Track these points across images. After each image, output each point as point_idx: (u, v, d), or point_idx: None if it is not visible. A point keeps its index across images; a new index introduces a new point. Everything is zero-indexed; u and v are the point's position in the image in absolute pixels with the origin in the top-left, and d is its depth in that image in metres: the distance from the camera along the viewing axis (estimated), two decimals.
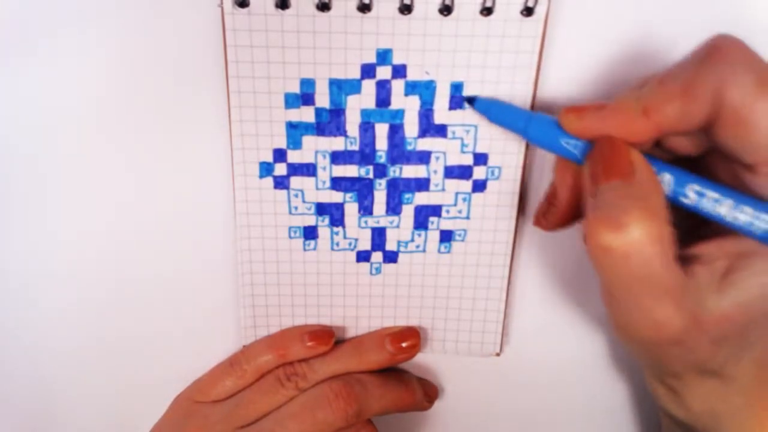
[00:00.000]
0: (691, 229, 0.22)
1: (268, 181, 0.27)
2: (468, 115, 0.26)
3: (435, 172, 0.27)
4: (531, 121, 0.23)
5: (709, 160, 0.22)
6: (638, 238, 0.19)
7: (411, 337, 0.30)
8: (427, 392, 0.32)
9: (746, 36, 0.20)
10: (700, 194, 0.20)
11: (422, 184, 0.28)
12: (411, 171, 0.27)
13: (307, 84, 0.25)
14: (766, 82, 0.19)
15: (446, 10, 0.24)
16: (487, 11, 0.24)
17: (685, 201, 0.21)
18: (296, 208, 0.28)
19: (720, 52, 0.19)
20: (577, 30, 0.25)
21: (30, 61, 0.25)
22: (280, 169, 0.27)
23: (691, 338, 0.20)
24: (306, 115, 0.26)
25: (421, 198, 0.28)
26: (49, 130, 0.27)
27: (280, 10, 0.24)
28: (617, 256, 0.19)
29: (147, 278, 0.30)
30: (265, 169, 0.27)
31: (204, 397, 0.30)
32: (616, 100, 0.21)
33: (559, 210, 0.24)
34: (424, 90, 0.26)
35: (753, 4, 0.25)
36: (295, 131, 0.26)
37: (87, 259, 0.29)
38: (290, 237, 0.28)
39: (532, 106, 0.26)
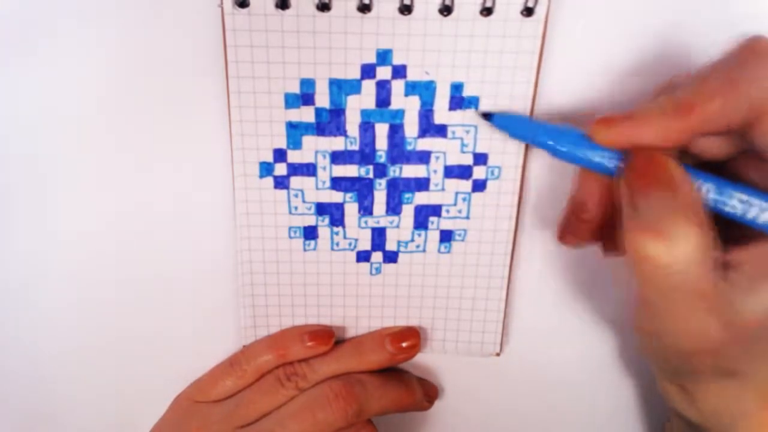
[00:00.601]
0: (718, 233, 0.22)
1: (268, 181, 0.27)
2: (468, 115, 0.26)
3: (435, 171, 0.27)
4: (560, 136, 0.23)
5: (738, 163, 0.22)
6: (684, 248, 0.19)
7: (411, 337, 0.30)
8: (427, 392, 0.32)
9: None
10: (746, 204, 0.20)
11: (422, 184, 0.28)
12: (411, 171, 0.27)
13: (307, 84, 0.25)
14: None
15: (446, 10, 0.24)
16: (487, 11, 0.24)
17: (728, 211, 0.20)
18: (296, 208, 0.28)
19: (762, 53, 0.19)
20: (577, 30, 0.25)
21: (30, 61, 0.25)
22: (280, 169, 0.27)
23: (725, 347, 0.20)
24: (306, 115, 0.26)
25: (421, 198, 0.28)
26: (49, 131, 0.27)
27: (280, 11, 0.24)
28: (661, 265, 0.19)
29: (147, 278, 0.30)
30: (265, 169, 0.27)
31: (204, 397, 0.30)
32: (641, 108, 0.21)
33: (592, 224, 0.24)
34: (424, 90, 0.26)
35: (755, 4, 0.25)
36: (295, 131, 0.26)
37: (87, 259, 0.29)
38: (290, 237, 0.28)
39: (533, 107, 0.26)
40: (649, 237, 0.19)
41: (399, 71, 0.25)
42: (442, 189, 0.28)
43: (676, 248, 0.19)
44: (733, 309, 0.20)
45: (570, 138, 0.23)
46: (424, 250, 0.29)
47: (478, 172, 0.27)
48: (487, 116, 0.25)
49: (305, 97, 0.26)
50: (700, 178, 0.21)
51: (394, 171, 0.27)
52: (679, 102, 0.20)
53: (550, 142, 0.23)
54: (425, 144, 0.27)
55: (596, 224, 0.24)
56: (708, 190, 0.21)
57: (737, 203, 0.20)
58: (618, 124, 0.21)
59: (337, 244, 0.29)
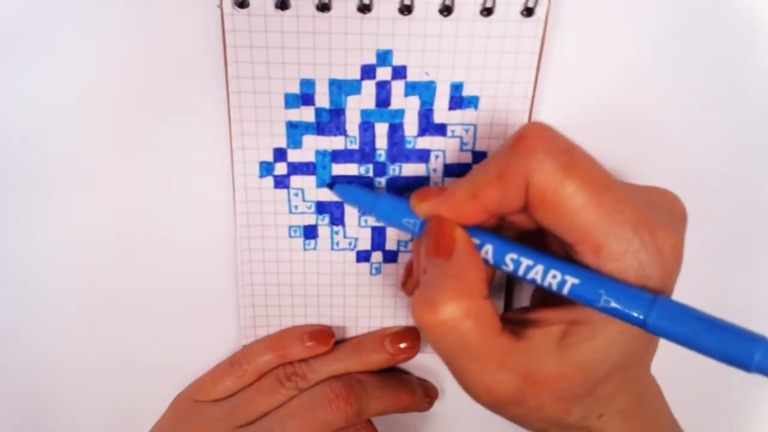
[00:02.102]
0: (546, 295, 0.23)
1: (269, 180, 0.27)
2: (467, 114, 0.26)
3: (434, 170, 0.27)
4: (378, 201, 0.25)
5: (546, 235, 0.23)
6: (451, 316, 0.20)
7: (411, 338, 0.30)
8: (427, 393, 0.32)
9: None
10: (517, 262, 0.21)
11: (422, 183, 0.28)
12: (410, 169, 0.27)
13: (307, 84, 0.26)
14: (569, 169, 0.20)
15: (446, 10, 0.24)
16: (487, 12, 0.24)
17: (506, 269, 0.22)
18: (296, 207, 0.28)
19: (525, 142, 0.20)
20: (577, 30, 0.25)
21: (30, 61, 0.25)
22: (281, 169, 0.27)
23: (530, 396, 0.21)
24: (306, 114, 0.26)
25: None
26: (48, 131, 0.27)
27: (279, 11, 0.24)
28: (437, 332, 0.20)
29: (147, 278, 0.30)
30: (265, 168, 0.27)
31: (204, 396, 0.30)
32: (451, 186, 0.22)
33: (414, 280, 0.26)
34: (424, 90, 0.26)
35: (754, 4, 0.25)
36: (295, 131, 0.26)
37: (87, 260, 0.29)
38: (290, 236, 0.28)
39: (532, 106, 0.26)
40: (421, 306, 0.21)
41: (399, 72, 0.25)
42: None
43: (442, 317, 0.20)
44: (534, 362, 0.21)
45: (388, 205, 0.25)
46: None
47: None
48: (331, 186, 0.27)
49: (305, 98, 0.26)
50: (486, 241, 0.22)
51: (393, 170, 0.27)
52: (467, 188, 0.22)
53: (372, 207, 0.25)
54: (425, 143, 0.27)
55: (419, 282, 0.26)
56: (487, 252, 0.22)
57: (510, 261, 0.22)
58: (429, 198, 0.23)
59: (337, 244, 0.29)
